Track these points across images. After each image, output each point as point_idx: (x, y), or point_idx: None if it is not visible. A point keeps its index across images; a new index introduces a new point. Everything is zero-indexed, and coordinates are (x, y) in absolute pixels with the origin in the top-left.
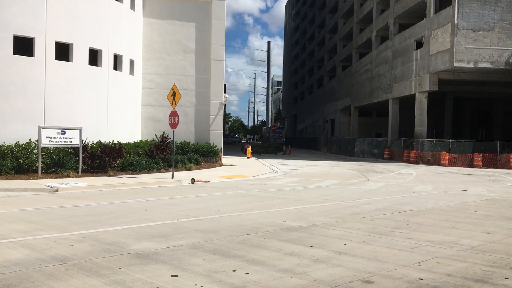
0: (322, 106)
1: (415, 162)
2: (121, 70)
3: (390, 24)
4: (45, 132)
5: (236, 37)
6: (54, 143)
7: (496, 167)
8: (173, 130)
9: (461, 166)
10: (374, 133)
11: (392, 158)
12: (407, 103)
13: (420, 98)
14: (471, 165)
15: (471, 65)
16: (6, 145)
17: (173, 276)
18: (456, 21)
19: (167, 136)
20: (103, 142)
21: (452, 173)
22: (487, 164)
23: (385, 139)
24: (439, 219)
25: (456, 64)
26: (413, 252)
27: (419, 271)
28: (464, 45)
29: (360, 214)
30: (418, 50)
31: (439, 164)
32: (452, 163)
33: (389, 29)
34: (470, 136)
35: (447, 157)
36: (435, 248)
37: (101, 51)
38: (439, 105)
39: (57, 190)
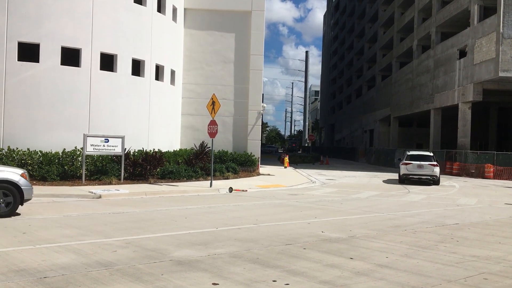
0: (361, 116)
1: (458, 174)
2: (162, 80)
3: (432, 33)
4: (90, 140)
5: (271, 46)
6: (98, 150)
7: None
8: (212, 139)
9: (506, 179)
10: (414, 144)
11: None
12: (449, 114)
13: (463, 108)
14: None
15: None
16: (53, 152)
17: (214, 284)
18: (501, 30)
19: (206, 145)
20: (144, 150)
21: (497, 186)
22: None
23: (427, 150)
24: (485, 234)
25: (501, 74)
26: (458, 267)
27: (465, 287)
28: (510, 54)
29: (402, 227)
30: (461, 59)
31: (483, 177)
32: (497, 175)
33: (431, 38)
34: None
35: (492, 169)
36: (481, 263)
37: (143, 61)
38: (483, 115)
39: (100, 197)
